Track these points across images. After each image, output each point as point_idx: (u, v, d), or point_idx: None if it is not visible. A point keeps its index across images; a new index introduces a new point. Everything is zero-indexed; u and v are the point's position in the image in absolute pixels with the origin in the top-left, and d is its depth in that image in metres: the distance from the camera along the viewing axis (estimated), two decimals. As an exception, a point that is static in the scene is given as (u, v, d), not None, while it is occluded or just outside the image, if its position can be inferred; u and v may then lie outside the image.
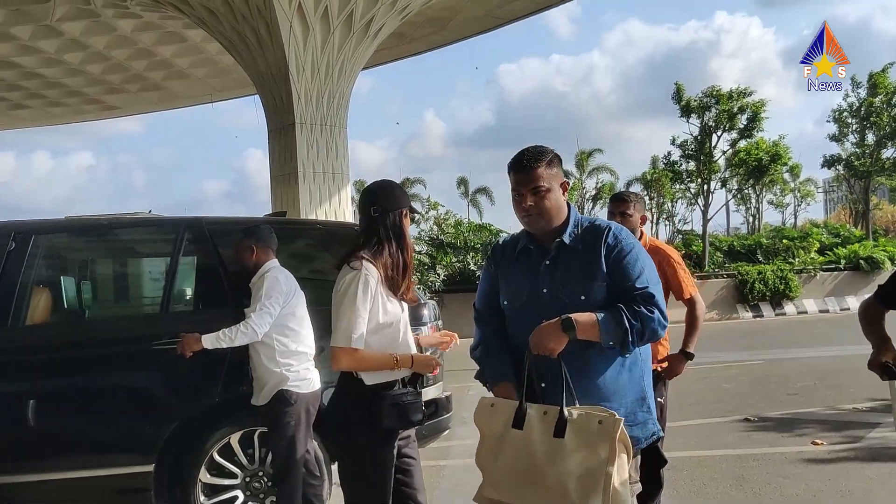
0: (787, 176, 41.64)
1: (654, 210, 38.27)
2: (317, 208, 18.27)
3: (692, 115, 24.19)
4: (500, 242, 2.97)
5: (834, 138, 28.69)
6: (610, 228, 2.74)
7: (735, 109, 23.64)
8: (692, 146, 24.70)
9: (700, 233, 25.86)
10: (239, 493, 4.60)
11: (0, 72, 26.71)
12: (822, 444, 6.45)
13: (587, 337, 2.56)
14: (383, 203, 3.11)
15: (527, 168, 2.67)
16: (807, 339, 15.22)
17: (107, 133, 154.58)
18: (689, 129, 24.84)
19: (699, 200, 25.47)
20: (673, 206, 35.35)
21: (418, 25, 24.13)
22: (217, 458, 4.55)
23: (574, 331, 2.54)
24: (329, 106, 18.58)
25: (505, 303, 2.80)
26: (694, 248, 24.65)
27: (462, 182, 52.47)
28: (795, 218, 47.21)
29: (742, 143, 24.49)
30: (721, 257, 24.31)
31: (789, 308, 21.17)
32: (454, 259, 20.02)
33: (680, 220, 34.99)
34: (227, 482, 4.59)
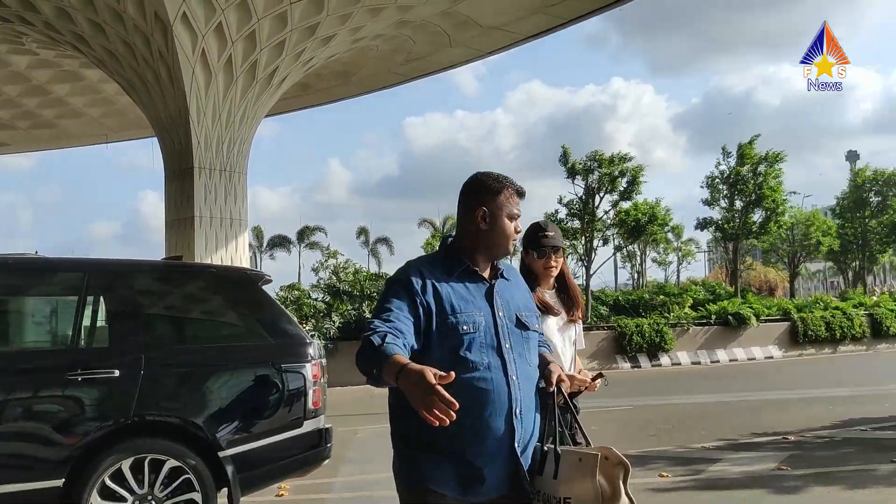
0: (670, 236, 43.60)
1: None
2: (212, 254, 18.02)
3: (577, 176, 25.70)
4: (415, 263, 2.70)
5: (706, 202, 30.84)
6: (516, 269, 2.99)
7: (616, 173, 25.22)
8: (577, 206, 26.11)
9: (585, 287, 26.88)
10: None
11: None
12: (667, 476, 7.23)
13: None
14: None
15: (522, 196, 2.74)
16: (674, 387, 16.25)
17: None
18: (574, 189, 26.30)
19: (582, 256, 26.74)
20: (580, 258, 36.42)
21: (323, 77, 24.41)
22: (108, 482, 4.77)
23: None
24: (229, 152, 18.48)
25: (463, 327, 2.54)
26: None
27: (363, 231, 52.71)
28: (678, 275, 49.32)
29: (624, 205, 26.16)
30: (606, 310, 25.27)
31: (664, 359, 22.12)
32: (350, 307, 20.06)
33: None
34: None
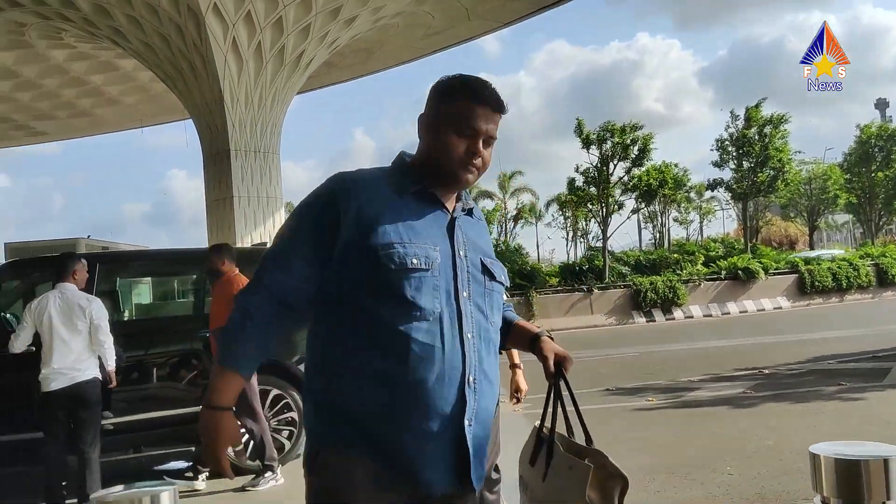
0: (692, 195, 44.41)
1: (568, 229, 40.48)
2: (251, 231, 19.22)
3: (591, 146, 26.90)
4: (349, 175, 1.97)
5: (716, 164, 31.88)
6: None
7: (628, 141, 26.49)
8: (592, 174, 27.26)
9: (609, 250, 28.19)
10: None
11: (-74, 99, 26.90)
12: (653, 400, 8.84)
13: None
14: None
15: (498, 106, 1.96)
16: (681, 337, 17.64)
17: (23, 155, 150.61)
18: (589, 158, 27.53)
19: (598, 221, 28.12)
20: (587, 226, 37.47)
21: (346, 55, 25.41)
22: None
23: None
24: (262, 134, 19.67)
25: (412, 261, 1.82)
26: (596, 262, 26.87)
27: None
28: (701, 233, 50.11)
29: (636, 171, 27.42)
30: (628, 270, 26.56)
31: (678, 313, 23.61)
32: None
33: (593, 238, 37.13)
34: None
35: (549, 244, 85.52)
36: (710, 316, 23.51)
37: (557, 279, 25.78)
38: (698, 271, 25.30)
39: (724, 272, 24.96)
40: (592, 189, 27.66)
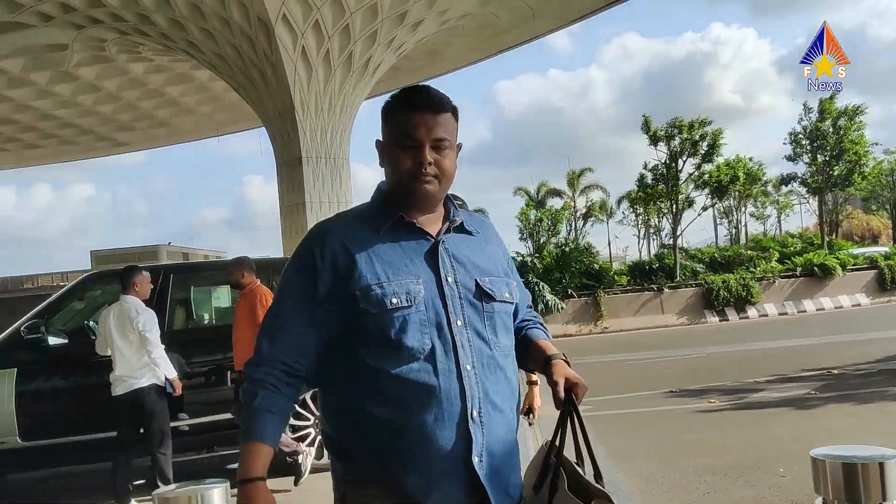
0: (769, 188, 43.36)
1: (639, 226, 40.02)
2: (324, 235, 19.70)
3: (659, 142, 26.63)
4: (329, 223, 1.95)
5: (789, 158, 31.04)
6: (491, 223, 2.14)
7: (697, 137, 26.15)
8: (661, 170, 26.94)
9: (682, 247, 27.79)
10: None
11: (17, 115, 28.26)
12: (714, 402, 8.78)
13: None
14: None
15: (435, 107, 1.85)
16: (752, 336, 17.40)
17: (107, 165, 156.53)
18: (657, 155, 27.31)
19: (669, 218, 27.70)
20: (659, 223, 36.99)
21: (413, 59, 25.67)
22: (298, 409, 7.15)
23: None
24: (332, 140, 20.09)
25: (391, 301, 1.78)
26: (667, 261, 26.45)
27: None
28: (779, 228, 48.90)
29: (706, 167, 27.04)
30: (703, 268, 26.11)
31: (752, 312, 23.16)
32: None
33: (666, 235, 36.62)
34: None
35: (620, 242, 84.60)
36: (786, 314, 22.99)
37: (627, 278, 25.51)
38: (772, 268, 24.75)
39: (799, 269, 24.34)
40: (661, 186, 27.31)
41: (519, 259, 24.57)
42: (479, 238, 1.99)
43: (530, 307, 2.15)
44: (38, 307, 7.44)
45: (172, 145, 36.04)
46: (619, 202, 40.47)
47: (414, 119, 1.83)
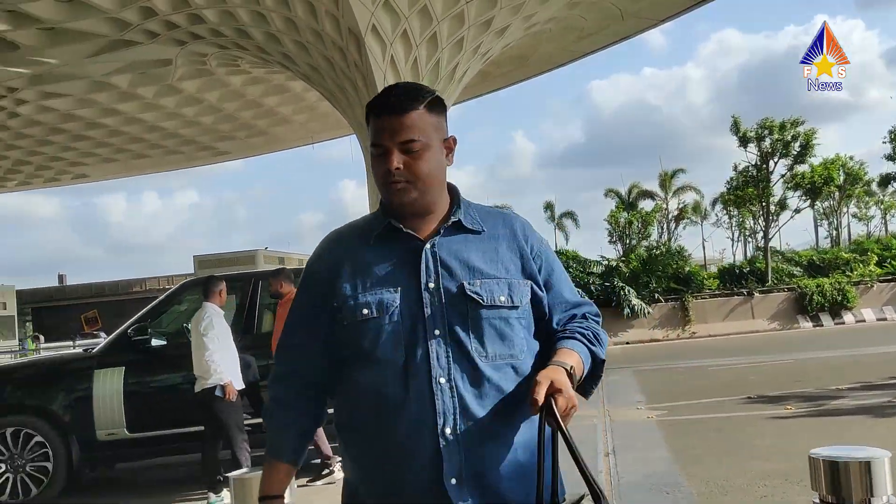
0: (874, 187, 41.63)
1: (732, 228, 39.06)
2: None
3: (749, 144, 26.19)
4: (330, 237, 1.92)
5: (889, 157, 29.72)
6: (518, 218, 1.94)
7: (789, 138, 25.53)
8: (751, 172, 26.28)
9: (778, 250, 27.10)
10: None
11: (126, 126, 29.87)
12: (791, 408, 8.71)
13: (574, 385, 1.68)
14: None
15: (396, 108, 1.74)
16: (846, 342, 16.85)
17: (210, 172, 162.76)
18: (747, 156, 26.86)
19: (759, 221, 27.05)
20: (755, 224, 36.04)
21: (500, 64, 25.88)
22: None
23: (573, 378, 1.67)
24: (421, 147, 20.47)
25: (361, 312, 1.73)
26: (758, 264, 25.82)
27: (549, 206, 53.46)
28: (885, 229, 46.78)
29: (800, 168, 26.49)
30: (800, 271, 25.36)
31: (848, 317, 22.40)
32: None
33: (762, 237, 35.67)
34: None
35: (714, 244, 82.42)
36: (885, 320, 22.09)
37: (716, 282, 24.99)
38: (871, 272, 23.78)
39: (899, 273, 23.37)
40: (752, 188, 26.72)
41: (605, 263, 24.31)
42: (483, 236, 1.81)
43: (577, 306, 1.88)
44: (143, 311, 8.12)
45: (270, 153, 37.33)
46: (714, 204, 39.64)
47: (380, 125, 1.76)
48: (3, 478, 7.36)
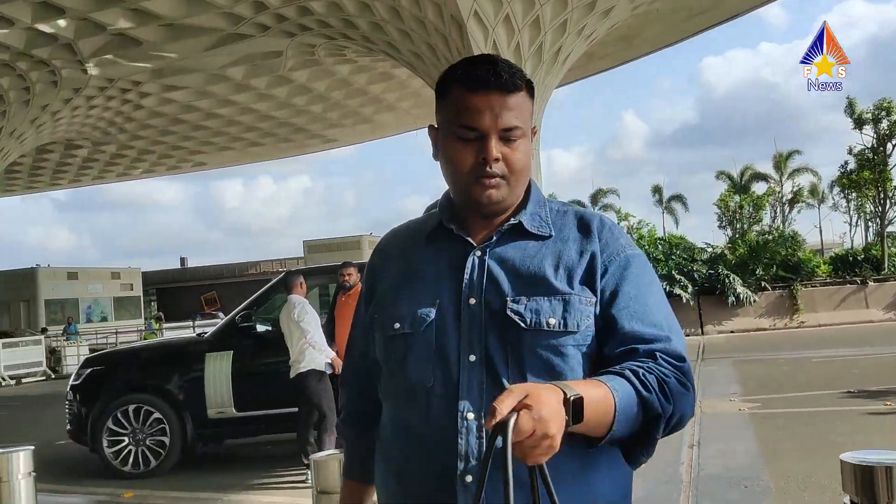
0: None
1: (850, 212, 37.28)
2: (514, 224, 20.22)
3: (864, 126, 25.12)
4: (391, 233, 1.71)
5: None
6: (601, 217, 1.57)
7: None
8: (867, 155, 24.87)
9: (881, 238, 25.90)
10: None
11: (241, 116, 31.10)
12: (890, 404, 8.43)
13: (588, 429, 1.27)
14: None
15: (506, 86, 1.44)
16: None
17: (321, 159, 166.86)
18: (862, 139, 25.79)
19: (877, 206, 25.85)
20: (877, 209, 34.35)
21: (606, 45, 25.48)
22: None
23: (581, 413, 1.23)
24: (523, 131, 20.55)
25: (394, 325, 1.50)
26: (874, 251, 24.65)
27: (656, 190, 52.33)
28: None
29: None
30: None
31: None
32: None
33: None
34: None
35: (833, 228, 78.61)
36: None
37: (828, 270, 23.96)
38: None
39: None
40: (868, 172, 25.46)
41: (710, 250, 23.62)
42: (548, 242, 1.47)
43: (643, 341, 1.38)
44: (249, 299, 8.67)
45: (376, 140, 38.08)
46: (832, 186, 37.95)
47: (475, 101, 1.42)
48: (126, 450, 8.03)
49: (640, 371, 1.33)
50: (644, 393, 1.31)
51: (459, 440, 1.37)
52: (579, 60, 23.83)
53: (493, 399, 1.19)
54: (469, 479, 1.35)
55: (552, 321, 1.39)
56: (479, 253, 1.47)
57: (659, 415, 1.32)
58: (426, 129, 1.69)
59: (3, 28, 21.87)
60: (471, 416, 1.37)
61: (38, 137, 29.88)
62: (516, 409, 1.15)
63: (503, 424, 1.14)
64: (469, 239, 1.50)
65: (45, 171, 39.30)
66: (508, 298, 1.42)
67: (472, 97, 1.43)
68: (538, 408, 1.15)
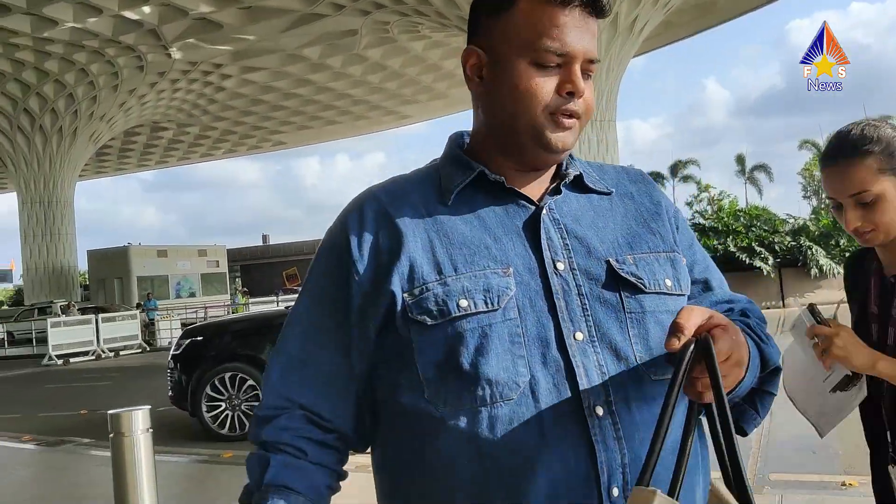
0: None
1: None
2: (590, 197, 20.29)
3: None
4: (373, 193, 1.18)
5: None
6: (639, 170, 1.31)
7: None
8: None
9: None
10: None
11: (318, 95, 31.71)
12: None
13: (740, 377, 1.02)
14: None
15: (597, 4, 1.09)
16: None
17: (395, 135, 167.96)
18: None
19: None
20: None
21: (683, 13, 25.08)
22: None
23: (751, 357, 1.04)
24: (598, 102, 20.46)
25: (459, 305, 1.04)
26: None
27: (739, 159, 50.92)
28: None
29: None
30: None
31: None
32: (716, 241, 20.70)
33: None
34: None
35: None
36: None
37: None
38: None
39: None
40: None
41: (791, 222, 22.94)
42: (613, 197, 1.20)
43: (730, 301, 1.21)
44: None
45: (450, 115, 38.28)
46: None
47: (566, 19, 1.07)
48: (224, 415, 8.47)
49: (752, 321, 1.15)
50: (763, 345, 1.12)
51: (597, 447, 1.01)
52: (656, 29, 23.54)
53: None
54: (616, 492, 1.00)
55: (668, 282, 1.13)
56: (547, 209, 1.12)
57: (778, 368, 1.15)
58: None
59: (92, 16, 22.85)
60: (600, 411, 1.02)
61: (126, 121, 31.11)
62: (706, 329, 0.95)
63: (705, 342, 0.92)
64: (523, 193, 1.14)
65: (133, 152, 40.87)
66: (611, 259, 1.11)
67: (560, 14, 1.06)
68: (734, 329, 0.98)
